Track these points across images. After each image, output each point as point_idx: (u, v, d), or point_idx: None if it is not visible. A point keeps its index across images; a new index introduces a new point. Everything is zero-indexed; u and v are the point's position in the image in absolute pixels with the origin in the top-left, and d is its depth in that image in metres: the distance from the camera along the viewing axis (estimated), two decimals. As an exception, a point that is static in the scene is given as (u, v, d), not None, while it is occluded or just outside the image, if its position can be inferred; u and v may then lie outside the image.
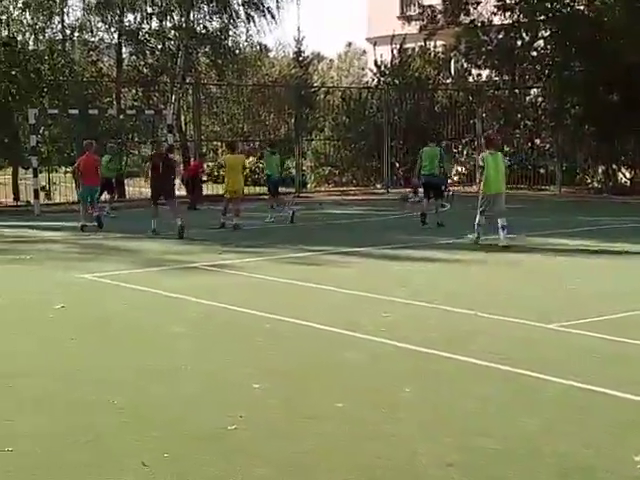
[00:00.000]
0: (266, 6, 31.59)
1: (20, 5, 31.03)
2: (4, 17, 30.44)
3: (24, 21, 31.64)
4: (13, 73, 28.09)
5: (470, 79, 30.83)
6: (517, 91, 30.10)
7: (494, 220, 14.40)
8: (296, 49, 46.37)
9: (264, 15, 31.68)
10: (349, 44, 76.52)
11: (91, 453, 5.15)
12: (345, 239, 15.99)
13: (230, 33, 32.19)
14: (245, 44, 33.38)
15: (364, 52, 61.09)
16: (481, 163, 15.04)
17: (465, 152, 32.64)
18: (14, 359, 7.47)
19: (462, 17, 28.37)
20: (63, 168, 27.63)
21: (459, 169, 32.27)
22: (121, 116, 29.05)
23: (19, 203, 25.74)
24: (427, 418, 5.77)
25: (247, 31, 32.25)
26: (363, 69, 56.53)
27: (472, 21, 28.19)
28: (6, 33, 30.41)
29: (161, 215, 17.03)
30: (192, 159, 28.48)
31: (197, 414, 5.90)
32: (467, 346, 7.61)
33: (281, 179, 21.98)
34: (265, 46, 42.64)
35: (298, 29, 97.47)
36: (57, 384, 6.70)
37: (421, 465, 4.90)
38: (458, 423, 5.63)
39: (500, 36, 27.93)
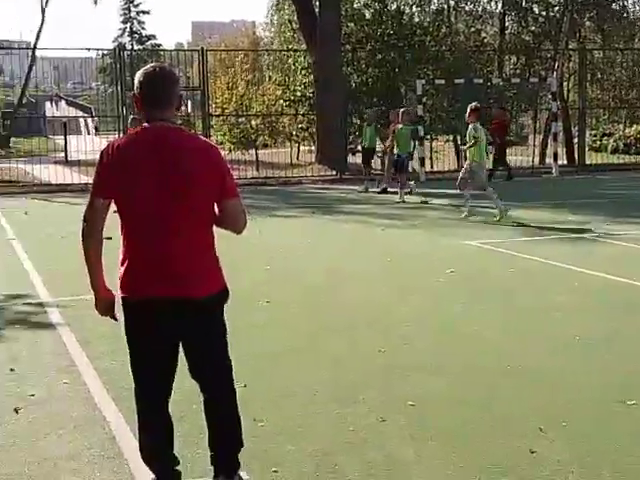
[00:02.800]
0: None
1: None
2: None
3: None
4: (400, 45, 29.16)
5: None
6: None
7: None
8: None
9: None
10: None
11: (485, 417, 5.18)
12: None
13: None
14: (632, 7, 31.64)
15: None
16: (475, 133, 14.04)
17: None
18: (410, 318, 7.73)
19: None
20: (445, 137, 28.28)
21: None
22: (501, 83, 28.93)
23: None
24: None
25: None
26: None
27: None
28: (394, 7, 31.58)
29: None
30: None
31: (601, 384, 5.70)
32: None
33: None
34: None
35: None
36: (449, 347, 6.83)
37: None
38: None
39: None
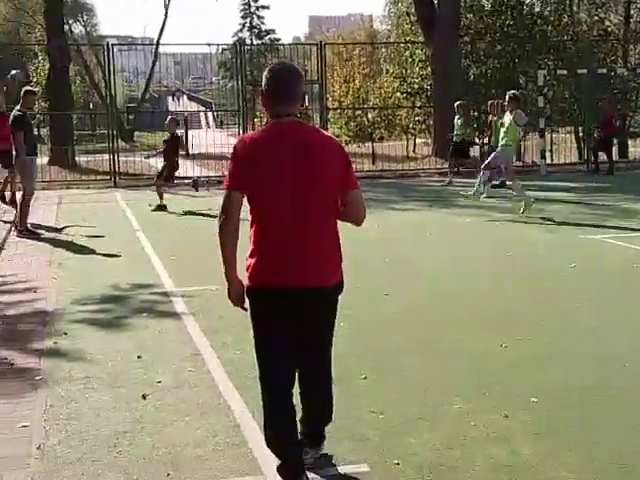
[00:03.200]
0: None
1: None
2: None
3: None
4: (520, 36, 28.62)
5: None
6: None
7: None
8: None
9: None
10: None
11: (613, 415, 5.05)
12: None
13: None
14: None
15: None
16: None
17: None
18: (532, 312, 7.60)
19: None
20: (566, 128, 27.60)
21: None
22: (625, 73, 28.06)
23: (524, 163, 26.17)
24: None
25: None
26: None
27: None
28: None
29: None
30: None
31: None
32: None
33: None
34: None
35: None
36: (573, 343, 6.68)
37: None
38: None
39: None
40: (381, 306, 7.94)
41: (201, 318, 7.47)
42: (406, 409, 5.22)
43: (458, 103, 19.92)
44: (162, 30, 50.64)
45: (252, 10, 75.15)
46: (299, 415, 4.24)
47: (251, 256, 3.99)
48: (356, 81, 34.17)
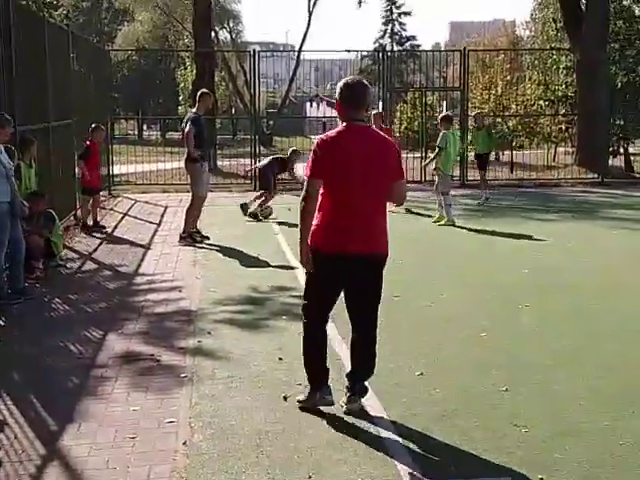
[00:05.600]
0: None
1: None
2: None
3: None
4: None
5: None
6: None
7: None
8: None
9: None
10: None
11: None
12: None
13: None
14: None
15: None
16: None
17: None
18: None
19: None
20: None
21: None
22: None
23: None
24: None
25: None
26: None
27: None
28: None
29: None
30: None
31: None
32: None
33: None
34: None
35: None
36: None
37: None
38: None
39: None
40: (521, 318, 7.79)
41: (339, 323, 7.49)
42: (550, 423, 5.11)
43: (476, 113, 19.55)
44: (305, 36, 51.28)
45: (394, 17, 75.16)
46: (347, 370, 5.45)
47: (318, 226, 5.09)
48: (498, 88, 33.64)
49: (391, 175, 5.15)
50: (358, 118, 5.16)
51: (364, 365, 5.37)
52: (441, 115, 15.12)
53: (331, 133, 5.18)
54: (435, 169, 14.42)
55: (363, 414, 5.28)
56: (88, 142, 13.77)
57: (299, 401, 5.42)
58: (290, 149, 15.99)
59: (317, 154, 5.07)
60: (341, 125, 5.21)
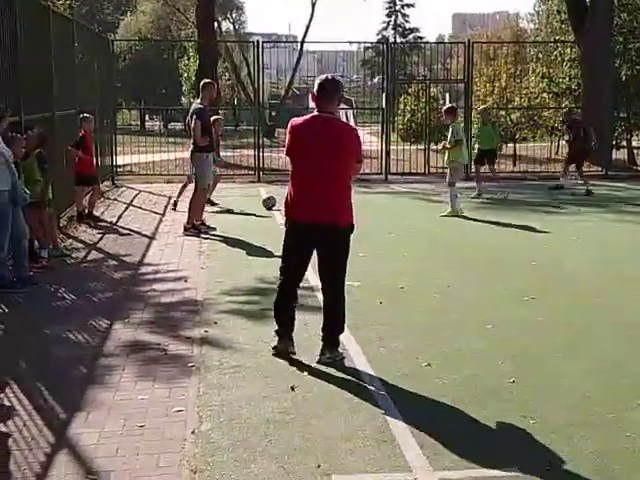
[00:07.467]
0: None
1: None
2: None
3: None
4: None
5: None
6: None
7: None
8: None
9: None
10: None
11: None
12: None
13: None
14: None
15: None
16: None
17: None
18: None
19: None
20: None
21: None
22: None
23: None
24: None
25: None
26: None
27: None
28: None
29: None
30: None
31: None
32: None
33: None
34: None
35: None
36: None
37: None
38: None
39: None
40: (527, 309, 7.80)
41: (348, 315, 7.50)
42: (558, 415, 5.12)
43: (482, 108, 19.49)
44: (308, 28, 51.21)
45: (397, 8, 75.01)
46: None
47: (288, 198, 6.13)
48: (502, 80, 33.57)
49: (351, 157, 6.08)
50: (327, 110, 6.03)
51: (327, 320, 6.23)
52: (446, 107, 15.05)
53: (299, 119, 6.15)
54: (450, 161, 14.33)
55: (372, 405, 5.30)
56: (83, 132, 13.62)
57: (273, 347, 6.34)
58: None
59: (287, 135, 6.13)
60: (312, 113, 6.11)
